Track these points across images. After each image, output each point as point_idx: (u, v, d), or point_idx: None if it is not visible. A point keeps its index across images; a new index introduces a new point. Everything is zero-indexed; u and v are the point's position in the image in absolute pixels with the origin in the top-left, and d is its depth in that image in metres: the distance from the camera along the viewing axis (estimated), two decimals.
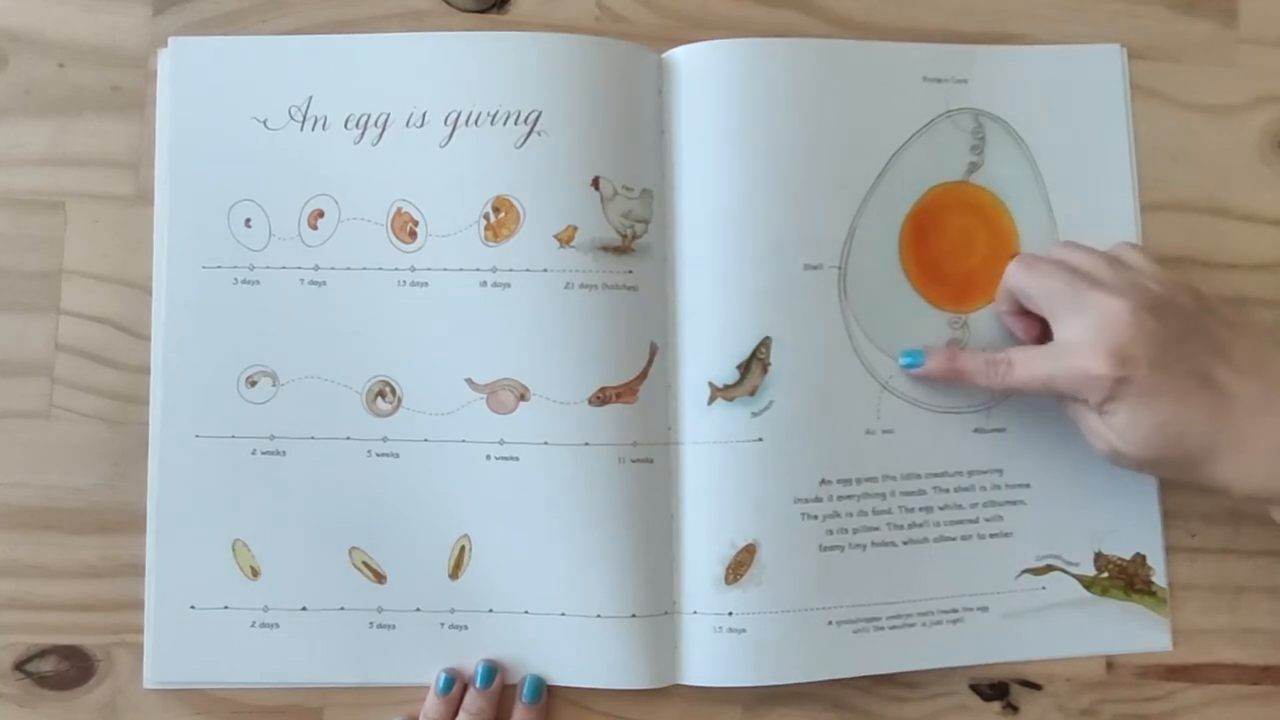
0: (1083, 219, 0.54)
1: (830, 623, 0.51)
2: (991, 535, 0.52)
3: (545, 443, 0.50)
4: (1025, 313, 0.51)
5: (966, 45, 0.54)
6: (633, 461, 0.50)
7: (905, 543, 0.52)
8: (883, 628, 0.51)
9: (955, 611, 0.52)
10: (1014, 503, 0.53)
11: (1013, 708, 0.52)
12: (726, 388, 0.50)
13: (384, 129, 0.51)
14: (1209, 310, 0.48)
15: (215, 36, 0.52)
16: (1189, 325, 0.47)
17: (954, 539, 0.52)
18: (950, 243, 0.52)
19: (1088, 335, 0.46)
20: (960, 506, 0.52)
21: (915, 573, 0.52)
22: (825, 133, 0.52)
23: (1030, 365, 0.48)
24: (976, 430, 0.53)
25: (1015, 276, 0.50)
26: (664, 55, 0.52)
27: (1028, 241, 0.53)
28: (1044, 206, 0.54)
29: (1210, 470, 0.46)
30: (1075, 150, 0.54)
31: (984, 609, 0.52)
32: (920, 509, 0.52)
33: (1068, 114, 0.54)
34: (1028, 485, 0.53)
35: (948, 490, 0.52)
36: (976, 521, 0.52)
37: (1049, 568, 0.53)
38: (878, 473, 0.52)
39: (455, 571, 0.50)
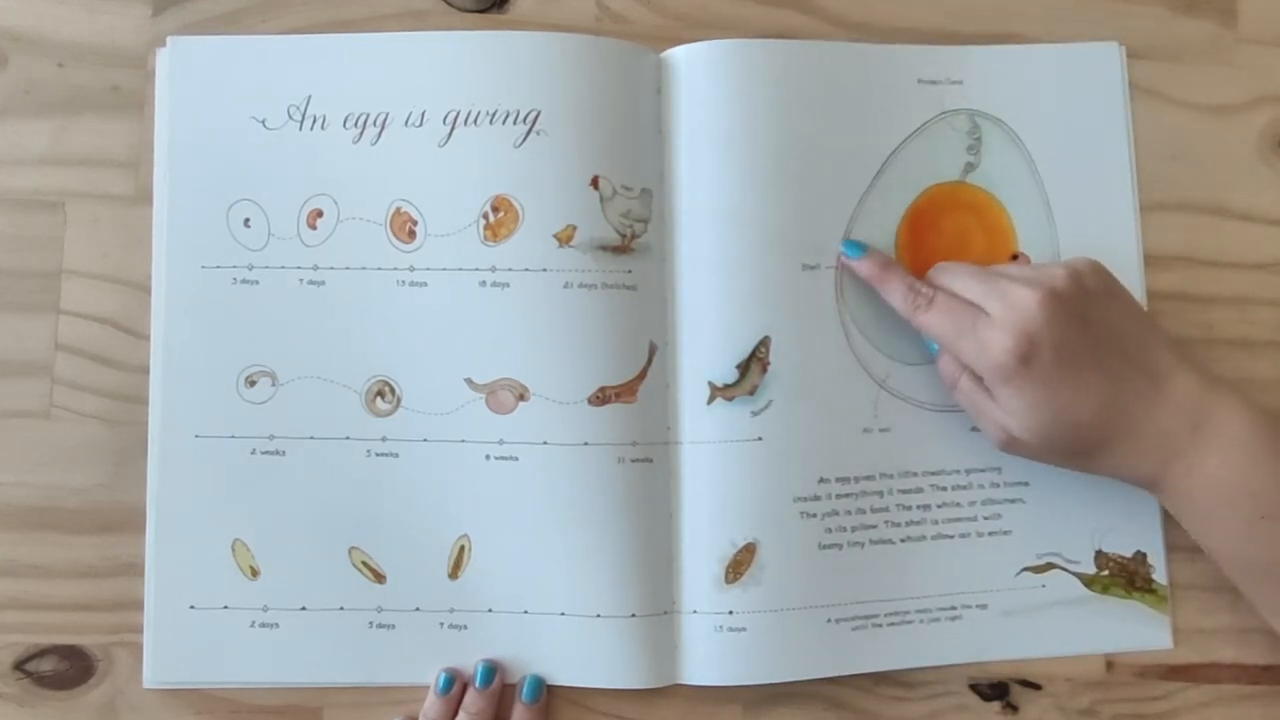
0: (1081, 218, 0.54)
1: (829, 621, 0.51)
2: (990, 533, 0.53)
3: (545, 442, 0.50)
4: None
5: (962, 46, 0.54)
6: (632, 461, 0.50)
7: (903, 540, 0.52)
8: (881, 625, 0.51)
9: (954, 609, 0.52)
10: (1013, 501, 0.53)
11: (1012, 707, 0.52)
12: (726, 387, 0.50)
13: (383, 128, 0.51)
14: (1111, 293, 0.48)
15: (214, 36, 0.52)
16: (1093, 310, 0.47)
17: (952, 537, 0.52)
18: (946, 243, 0.52)
19: (1000, 314, 0.46)
20: (959, 505, 0.52)
21: (914, 571, 0.52)
22: (822, 133, 0.52)
23: (946, 311, 0.48)
24: (975, 428, 0.52)
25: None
26: (663, 55, 0.52)
27: (1026, 240, 0.53)
28: (1042, 205, 0.54)
29: (1101, 459, 0.48)
30: (1074, 149, 0.54)
31: (983, 606, 0.52)
32: (918, 507, 0.52)
33: (1066, 113, 0.54)
34: (1027, 484, 0.53)
35: (945, 488, 0.52)
36: (975, 520, 0.52)
37: (1049, 566, 0.53)
38: (875, 471, 0.52)
39: (455, 571, 0.50)
